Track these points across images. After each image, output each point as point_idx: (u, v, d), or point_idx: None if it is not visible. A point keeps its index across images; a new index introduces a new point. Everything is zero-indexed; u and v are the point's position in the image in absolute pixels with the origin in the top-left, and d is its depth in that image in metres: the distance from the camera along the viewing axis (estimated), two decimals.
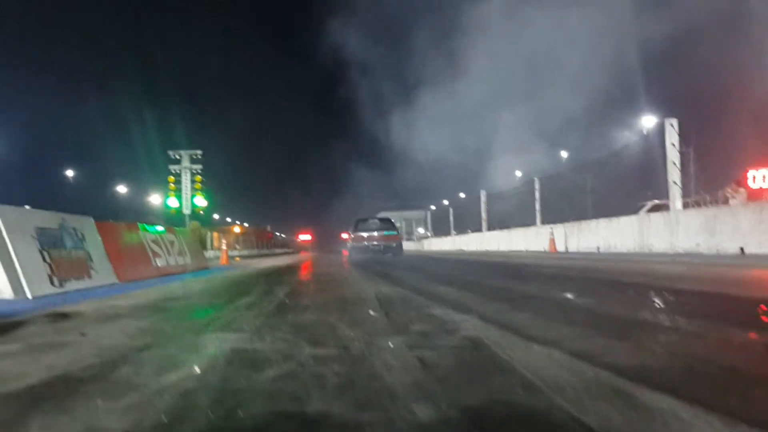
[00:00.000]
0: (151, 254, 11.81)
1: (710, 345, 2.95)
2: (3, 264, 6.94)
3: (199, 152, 19.41)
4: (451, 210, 44.34)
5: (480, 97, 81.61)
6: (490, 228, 34.31)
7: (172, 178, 19.45)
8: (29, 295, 6.90)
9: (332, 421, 1.84)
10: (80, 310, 5.17)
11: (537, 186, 25.69)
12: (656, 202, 29.94)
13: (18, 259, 7.01)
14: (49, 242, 7.84)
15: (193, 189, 19.51)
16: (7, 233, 7.03)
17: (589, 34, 66.31)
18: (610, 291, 5.94)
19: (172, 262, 12.86)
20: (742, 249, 12.88)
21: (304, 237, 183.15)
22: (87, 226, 9.36)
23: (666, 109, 54.66)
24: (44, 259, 7.56)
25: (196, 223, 29.93)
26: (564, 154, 69.58)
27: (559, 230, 22.59)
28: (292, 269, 13.96)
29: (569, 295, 5.41)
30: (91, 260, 8.95)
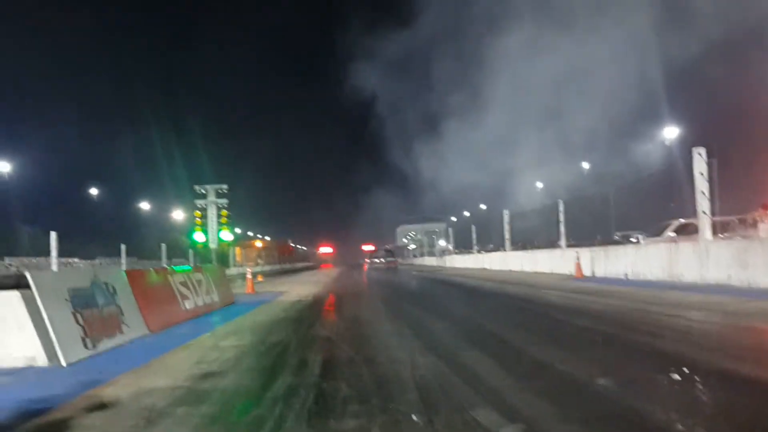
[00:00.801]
0: (179, 297, 11.83)
1: None
2: (37, 331, 6.97)
3: (224, 186, 19.54)
4: (473, 227, 44.03)
5: (502, 111, 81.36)
6: (513, 246, 34.12)
7: (198, 213, 19.55)
8: (63, 362, 6.91)
9: None
10: (117, 396, 5.15)
11: (561, 208, 25.46)
12: (682, 221, 29.65)
13: (52, 326, 7.03)
14: (81, 303, 7.85)
15: (219, 223, 19.55)
16: (41, 299, 7.05)
17: (609, 47, 65.89)
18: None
19: (200, 302, 12.87)
20: None
21: (325, 250, 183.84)
22: (118, 278, 9.38)
23: (688, 120, 54.25)
24: (77, 322, 7.57)
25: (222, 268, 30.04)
26: (586, 165, 69.31)
27: (585, 254, 22.36)
28: (319, 308, 13.92)
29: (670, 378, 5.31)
30: (123, 314, 8.97)
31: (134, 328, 9.16)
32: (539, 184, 78.03)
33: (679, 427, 3.71)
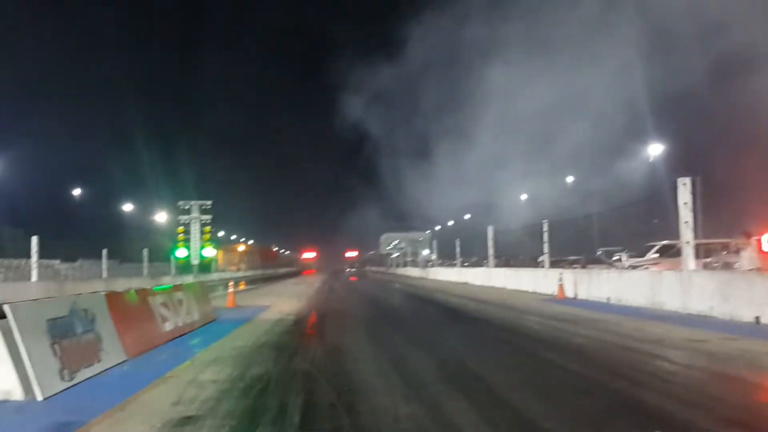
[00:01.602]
0: (159, 320, 11.68)
1: None
2: (14, 364, 6.84)
3: (208, 203, 19.44)
4: (458, 241, 44.02)
5: (487, 126, 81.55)
6: (497, 260, 34.17)
7: (181, 229, 19.46)
8: (39, 397, 6.78)
9: None
10: None
11: (546, 228, 25.50)
12: (665, 242, 29.81)
13: (29, 358, 6.89)
14: (60, 332, 7.71)
15: (202, 240, 19.40)
16: (19, 332, 6.92)
17: (595, 66, 66.33)
18: None
19: (179, 323, 12.73)
20: (757, 318, 12.70)
21: (309, 255, 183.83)
22: (98, 304, 9.24)
23: (673, 138, 54.64)
24: (54, 353, 7.43)
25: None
26: (570, 179, 69.56)
27: (568, 276, 22.39)
28: (300, 332, 13.84)
29: None
30: (101, 341, 8.82)
31: (112, 354, 9.01)
32: (524, 196, 78.27)
33: None
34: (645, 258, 28.83)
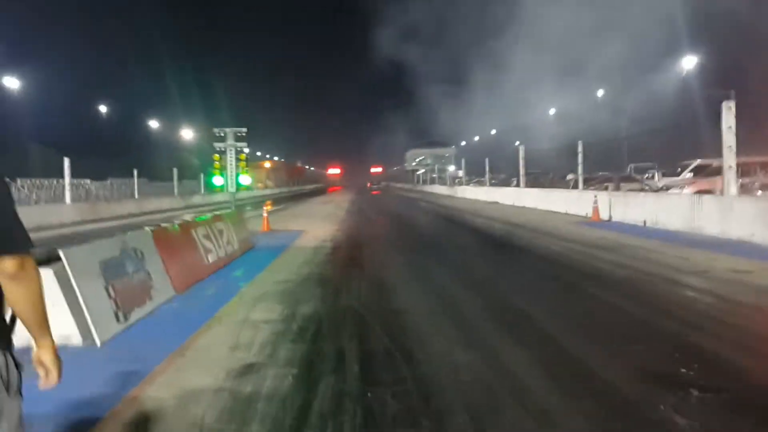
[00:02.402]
0: (203, 252, 11.79)
1: None
2: (71, 309, 6.93)
3: (243, 130, 19.23)
4: (487, 160, 43.67)
5: (516, 38, 79.66)
6: (529, 183, 33.97)
7: (217, 156, 19.38)
8: (98, 341, 6.90)
9: None
10: (160, 401, 5.13)
11: (580, 149, 25.13)
12: (700, 162, 29.33)
13: (85, 303, 6.98)
14: (113, 274, 7.80)
15: (238, 167, 19.42)
16: (74, 277, 6.99)
17: None
18: None
19: (221, 253, 12.85)
20: None
21: (334, 171, 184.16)
22: (145, 241, 9.31)
23: (707, 51, 53.09)
24: (109, 295, 7.53)
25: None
26: (600, 93, 68.13)
27: (603, 197, 22.19)
28: (340, 263, 13.94)
29: None
30: (151, 279, 8.93)
31: (162, 291, 9.14)
32: (552, 111, 77.11)
33: None
34: (680, 178, 28.47)
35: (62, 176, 31.37)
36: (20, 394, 2.34)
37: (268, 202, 22.34)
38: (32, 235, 2.32)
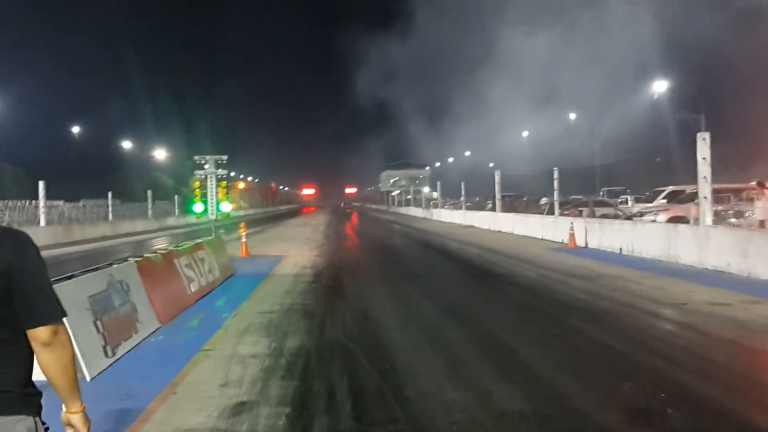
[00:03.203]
0: (186, 281, 11.76)
1: None
2: None
3: (224, 157, 19.27)
4: (463, 184, 43.95)
5: (490, 62, 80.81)
6: (504, 206, 34.26)
7: (197, 183, 19.36)
8: (88, 377, 6.87)
9: None
10: None
11: (556, 175, 25.46)
12: (672, 188, 29.81)
13: (75, 338, 6.93)
14: (100, 308, 7.78)
15: (219, 194, 19.43)
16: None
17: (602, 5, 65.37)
18: None
19: (203, 282, 12.82)
20: None
21: (308, 191, 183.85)
22: (131, 273, 9.30)
23: (678, 76, 54.18)
24: (98, 330, 7.50)
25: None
26: (572, 116, 69.04)
27: (579, 224, 22.46)
28: (323, 292, 13.96)
29: None
30: (136, 311, 8.91)
31: (147, 324, 9.11)
32: (525, 134, 78.00)
33: None
34: (653, 204, 28.82)
35: (34, 197, 31.11)
36: None
37: (242, 224, 22.28)
38: None
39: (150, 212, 47.42)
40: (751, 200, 21.44)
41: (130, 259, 10.09)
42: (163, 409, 5.91)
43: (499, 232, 31.31)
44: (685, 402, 5.82)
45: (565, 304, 11.16)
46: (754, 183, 21.60)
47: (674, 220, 23.18)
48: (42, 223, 30.94)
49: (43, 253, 2.44)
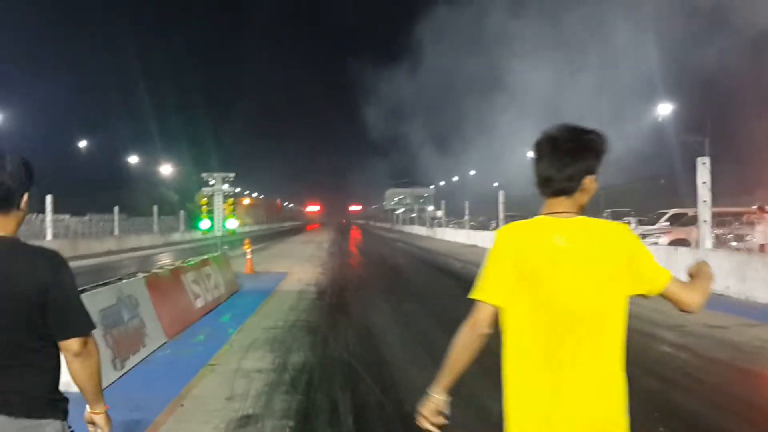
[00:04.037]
0: (192, 297, 11.98)
1: None
2: None
3: (231, 175, 19.57)
4: (467, 203, 44.18)
5: (493, 82, 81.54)
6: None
7: (204, 200, 19.63)
8: None
9: None
10: None
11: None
12: (676, 211, 30.01)
13: None
14: (110, 322, 7.99)
15: (226, 211, 19.71)
16: None
17: (603, 26, 66.09)
18: None
19: (209, 298, 13.04)
20: None
21: (313, 208, 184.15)
22: (139, 289, 9.52)
23: (681, 96, 54.66)
24: (107, 344, 7.70)
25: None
26: None
27: None
28: (326, 308, 14.14)
29: None
30: (144, 325, 9.12)
31: (154, 338, 9.32)
32: (529, 154, 78.23)
33: None
34: (656, 226, 28.99)
35: (41, 211, 31.42)
36: None
37: (247, 241, 22.44)
38: None
39: (156, 227, 47.73)
40: (751, 224, 21.63)
41: (139, 274, 10.31)
42: (171, 421, 6.11)
43: None
44: (677, 421, 6.00)
45: None
46: (755, 207, 21.80)
47: (676, 242, 23.41)
48: (48, 237, 31.23)
49: None
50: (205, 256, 14.87)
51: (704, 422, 6.05)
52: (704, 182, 15.61)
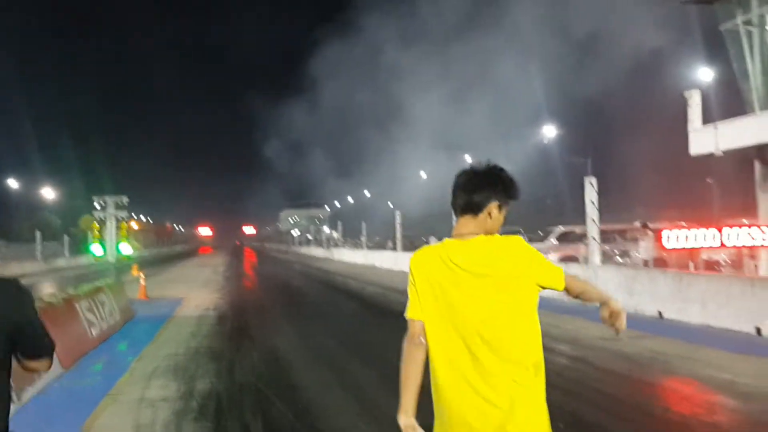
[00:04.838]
0: (87, 326, 11.49)
1: None
2: None
3: (125, 198, 18.97)
4: (364, 224, 44.47)
5: (388, 109, 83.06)
6: (405, 246, 34.91)
7: (96, 225, 18.93)
8: None
9: None
10: None
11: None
12: (562, 229, 31.31)
13: None
14: None
15: (118, 236, 19.03)
16: None
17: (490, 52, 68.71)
18: None
19: (104, 326, 12.55)
20: (660, 313, 13.70)
21: (205, 231, 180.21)
22: None
23: (564, 120, 57.35)
24: None
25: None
26: (468, 158, 71.38)
27: None
28: (228, 334, 13.92)
29: None
30: None
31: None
32: (423, 175, 79.98)
33: None
34: (545, 244, 30.08)
35: None
36: None
37: (135, 266, 21.65)
38: None
39: (39, 253, 45.48)
40: (635, 240, 22.81)
41: None
42: None
43: (402, 271, 31.78)
44: (580, 431, 6.26)
45: None
46: (638, 223, 23.02)
47: (566, 259, 24.37)
48: None
49: None
50: (99, 283, 14.32)
51: (605, 430, 6.32)
52: (592, 201, 16.38)
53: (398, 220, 33.52)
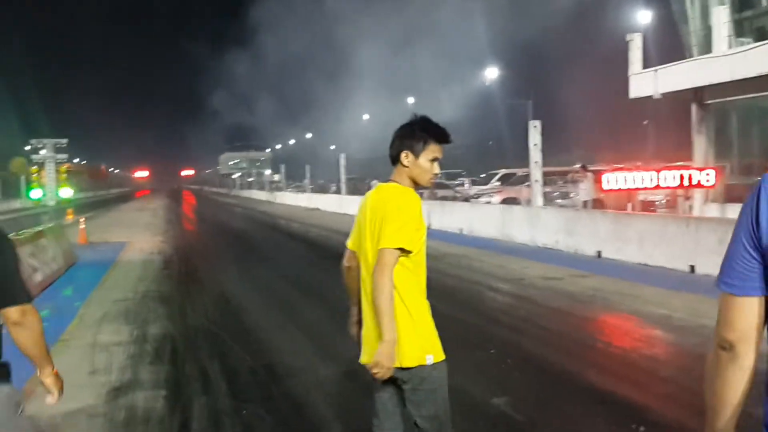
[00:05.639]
0: (30, 271, 11.30)
1: None
2: None
3: (64, 141, 18.41)
4: (308, 167, 44.24)
5: (330, 47, 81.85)
6: (349, 189, 34.98)
7: (35, 169, 18.35)
8: None
9: None
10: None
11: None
12: (506, 171, 31.80)
13: None
14: None
15: (58, 179, 18.50)
16: None
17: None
18: None
19: (47, 271, 12.38)
20: (599, 253, 14.16)
21: (141, 174, 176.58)
22: None
23: (506, 62, 57.70)
24: None
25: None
26: (411, 100, 71.30)
27: (423, 206, 23.43)
28: (176, 277, 13.87)
29: None
30: None
31: None
32: (366, 117, 79.69)
33: None
34: (488, 186, 30.58)
35: None
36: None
37: (69, 211, 21.08)
38: None
39: None
40: (575, 182, 23.34)
41: None
42: (34, 399, 5.84)
43: (345, 214, 31.90)
44: (528, 365, 6.55)
45: None
46: (577, 166, 23.49)
47: (508, 201, 24.86)
48: None
49: None
50: (40, 227, 14.03)
51: (554, 366, 6.61)
52: (535, 144, 16.66)
53: (342, 162, 33.47)
